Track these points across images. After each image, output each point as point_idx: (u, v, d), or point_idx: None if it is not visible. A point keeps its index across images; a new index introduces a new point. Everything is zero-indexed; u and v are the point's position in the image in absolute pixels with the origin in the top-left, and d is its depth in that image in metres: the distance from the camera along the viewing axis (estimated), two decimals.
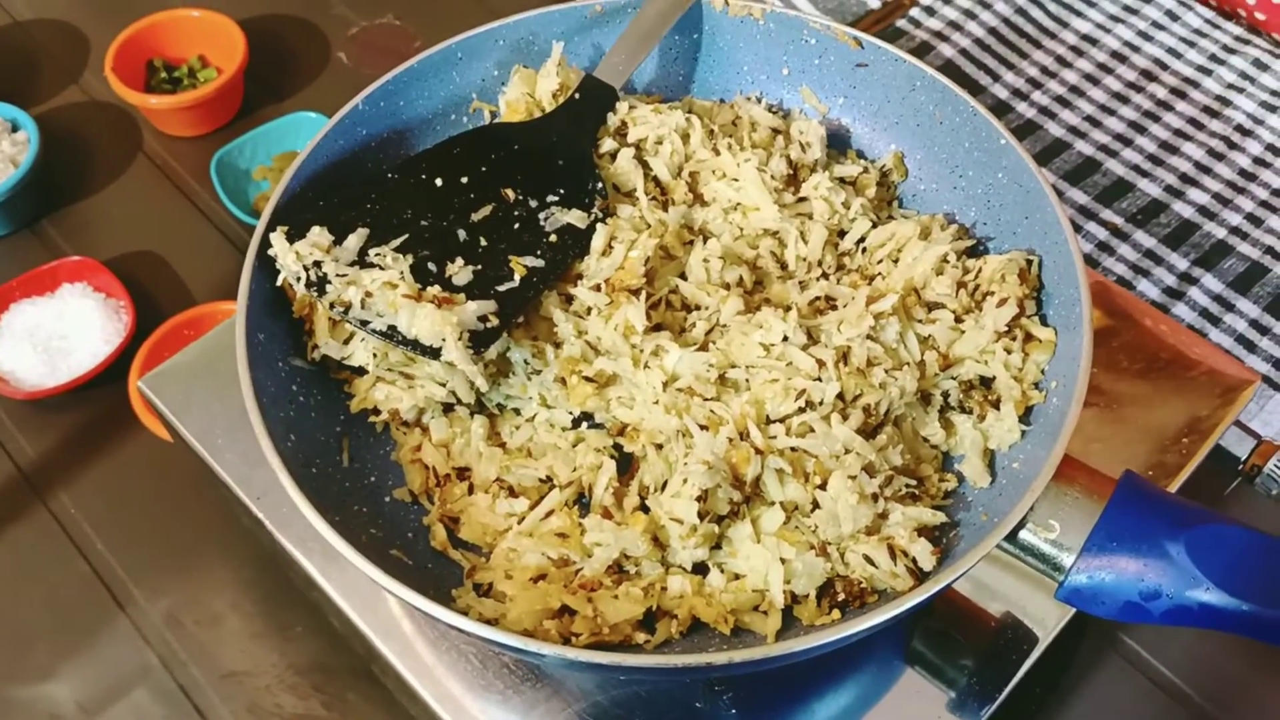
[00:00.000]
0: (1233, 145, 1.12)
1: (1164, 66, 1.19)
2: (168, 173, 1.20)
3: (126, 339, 1.04)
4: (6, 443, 1.03)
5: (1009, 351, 0.70)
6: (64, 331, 1.05)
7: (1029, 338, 0.70)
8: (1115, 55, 1.21)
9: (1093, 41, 1.22)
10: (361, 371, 0.72)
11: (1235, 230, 1.06)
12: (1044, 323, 0.71)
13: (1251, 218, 1.07)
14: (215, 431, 0.80)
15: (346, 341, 0.71)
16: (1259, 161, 1.11)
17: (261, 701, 0.90)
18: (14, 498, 1.00)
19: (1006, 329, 0.70)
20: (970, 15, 1.24)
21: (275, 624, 0.93)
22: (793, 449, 0.66)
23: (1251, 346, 0.98)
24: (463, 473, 0.71)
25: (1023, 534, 0.61)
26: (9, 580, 0.96)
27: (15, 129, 1.16)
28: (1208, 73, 1.18)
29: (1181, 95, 1.17)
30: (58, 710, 0.90)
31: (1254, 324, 1.00)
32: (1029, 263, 0.73)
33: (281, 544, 0.77)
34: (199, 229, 1.16)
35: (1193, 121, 1.14)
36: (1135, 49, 1.21)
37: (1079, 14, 1.24)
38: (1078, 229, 1.07)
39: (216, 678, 0.91)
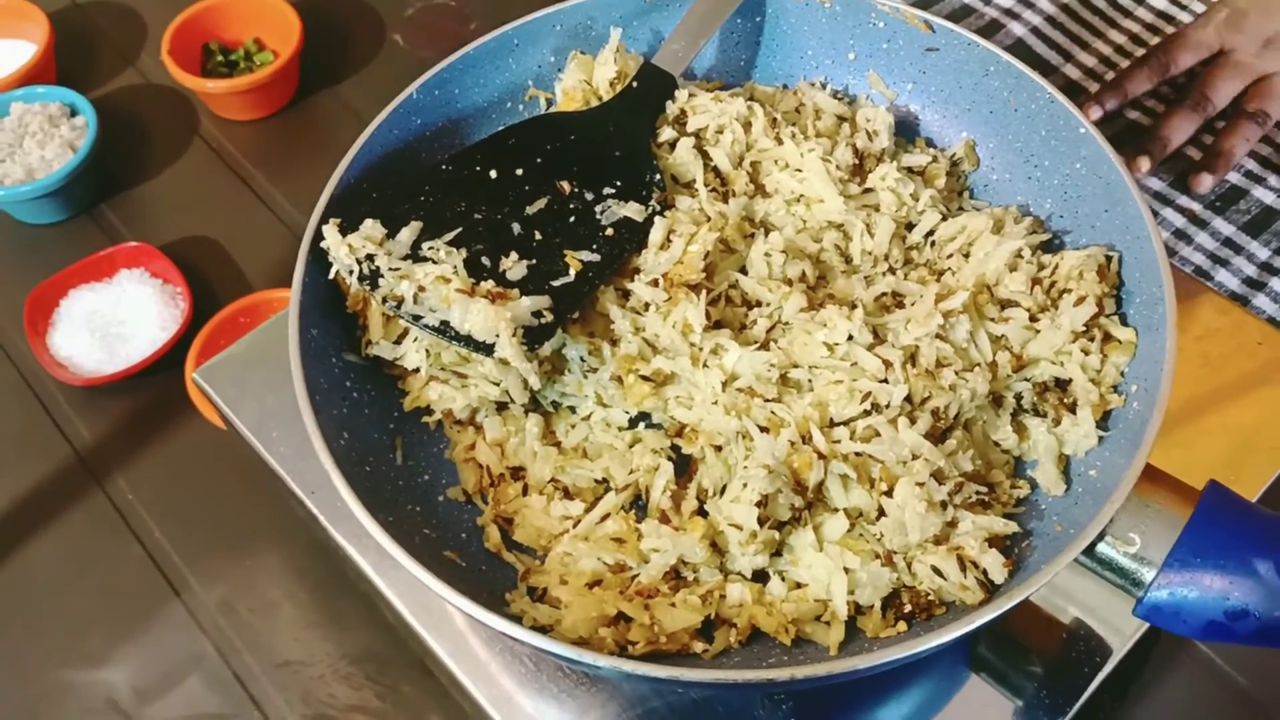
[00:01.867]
0: None
1: None
2: (224, 157, 1.20)
3: (183, 326, 1.04)
4: (65, 428, 1.03)
5: (1086, 353, 0.66)
6: (122, 317, 1.05)
7: (1108, 338, 0.67)
8: None
9: (1169, 19, 1.17)
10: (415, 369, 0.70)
11: None
12: (1124, 322, 0.68)
13: None
14: (269, 424, 0.80)
15: (399, 341, 0.70)
16: None
17: (315, 691, 0.90)
18: (72, 483, 1.01)
19: (1084, 329, 0.67)
20: None
21: (329, 614, 0.93)
22: (857, 454, 0.63)
23: None
24: (517, 472, 0.70)
25: (1101, 547, 0.58)
26: (66, 564, 0.96)
27: (74, 114, 1.16)
28: None
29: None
30: (114, 695, 0.91)
31: None
32: (1108, 259, 0.69)
33: (335, 539, 0.76)
34: (255, 214, 1.15)
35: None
36: None
37: None
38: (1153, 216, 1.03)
39: (271, 666, 0.91)
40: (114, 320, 1.05)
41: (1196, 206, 1.04)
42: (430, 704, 0.88)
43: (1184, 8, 1.18)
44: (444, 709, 0.88)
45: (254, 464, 0.83)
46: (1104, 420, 0.65)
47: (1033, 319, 0.68)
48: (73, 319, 1.05)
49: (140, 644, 0.93)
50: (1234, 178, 1.05)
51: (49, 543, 0.97)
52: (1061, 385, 0.68)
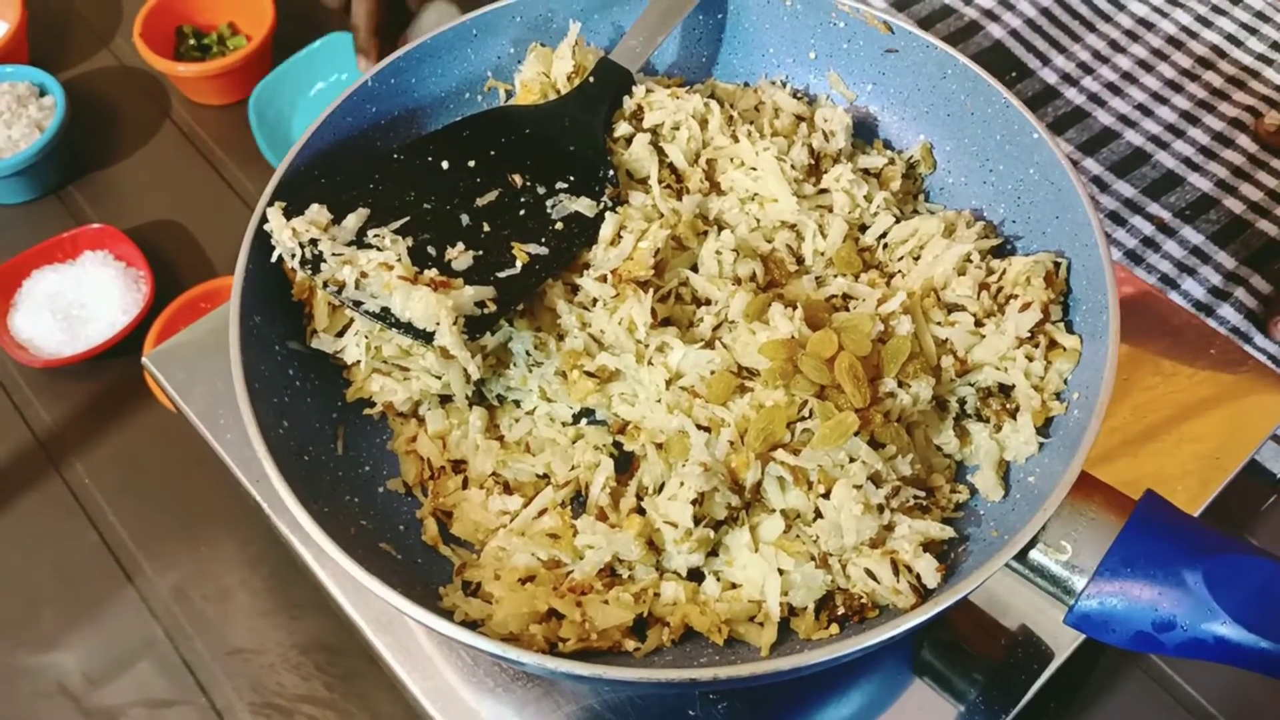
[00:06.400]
0: None
1: (1221, 54, 1.14)
2: (194, 141, 1.19)
3: (144, 310, 1.03)
4: (24, 409, 1.03)
5: (1030, 359, 0.66)
6: (83, 300, 1.05)
7: (1053, 345, 0.67)
8: (1171, 41, 1.15)
9: (1149, 26, 1.17)
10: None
11: None
12: (1070, 330, 0.67)
13: None
14: (218, 410, 0.79)
15: (341, 334, 0.69)
16: None
17: (265, 680, 0.90)
18: (29, 465, 1.00)
19: (1029, 335, 0.66)
20: None
21: (283, 602, 0.93)
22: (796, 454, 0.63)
23: None
24: (459, 465, 0.69)
25: (1033, 554, 0.58)
26: (20, 546, 0.96)
27: (43, 94, 1.16)
28: (1268, 61, 1.13)
29: (1240, 85, 1.12)
30: (64, 679, 0.91)
31: None
32: (1056, 265, 0.69)
33: (279, 529, 0.75)
34: (222, 199, 1.15)
35: (1251, 110, 1.09)
36: (1192, 35, 1.16)
37: None
38: (1122, 223, 1.03)
39: (221, 654, 0.91)
40: (75, 302, 1.05)
41: (1166, 215, 1.03)
42: (380, 696, 0.88)
43: (1165, 15, 1.17)
44: (393, 701, 0.87)
45: (207, 450, 0.82)
46: (1045, 427, 0.65)
47: (978, 324, 0.68)
48: (34, 300, 1.05)
49: (91, 628, 0.92)
50: (1206, 187, 1.05)
51: (4, 525, 0.97)
52: (1005, 391, 0.68)
